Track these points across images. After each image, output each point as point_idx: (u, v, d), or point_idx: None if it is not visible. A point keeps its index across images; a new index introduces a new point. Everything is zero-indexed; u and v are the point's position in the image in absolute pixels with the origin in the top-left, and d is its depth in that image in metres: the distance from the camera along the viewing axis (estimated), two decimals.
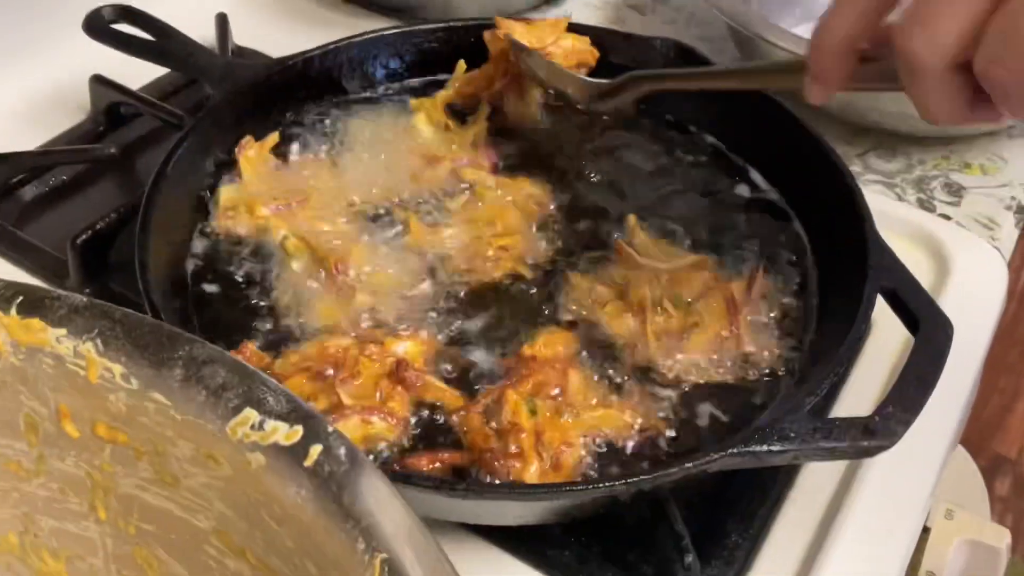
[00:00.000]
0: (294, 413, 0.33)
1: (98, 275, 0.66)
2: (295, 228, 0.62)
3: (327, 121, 0.71)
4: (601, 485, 0.45)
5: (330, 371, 0.52)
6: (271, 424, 0.33)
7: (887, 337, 0.65)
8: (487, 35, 0.71)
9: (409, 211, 0.65)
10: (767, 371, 0.58)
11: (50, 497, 0.40)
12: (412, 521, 0.31)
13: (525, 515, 0.48)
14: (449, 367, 0.57)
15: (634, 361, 0.57)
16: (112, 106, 0.79)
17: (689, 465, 0.45)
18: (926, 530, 0.65)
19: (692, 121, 0.72)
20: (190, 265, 0.61)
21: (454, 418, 0.53)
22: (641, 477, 0.45)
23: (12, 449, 0.39)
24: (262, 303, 0.60)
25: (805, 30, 0.89)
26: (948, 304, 0.57)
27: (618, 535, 0.54)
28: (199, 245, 0.62)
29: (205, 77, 0.68)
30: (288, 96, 0.70)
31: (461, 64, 0.72)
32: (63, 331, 0.36)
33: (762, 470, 0.58)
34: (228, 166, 0.66)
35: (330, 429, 0.33)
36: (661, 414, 0.55)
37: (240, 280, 0.61)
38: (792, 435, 0.46)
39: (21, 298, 0.37)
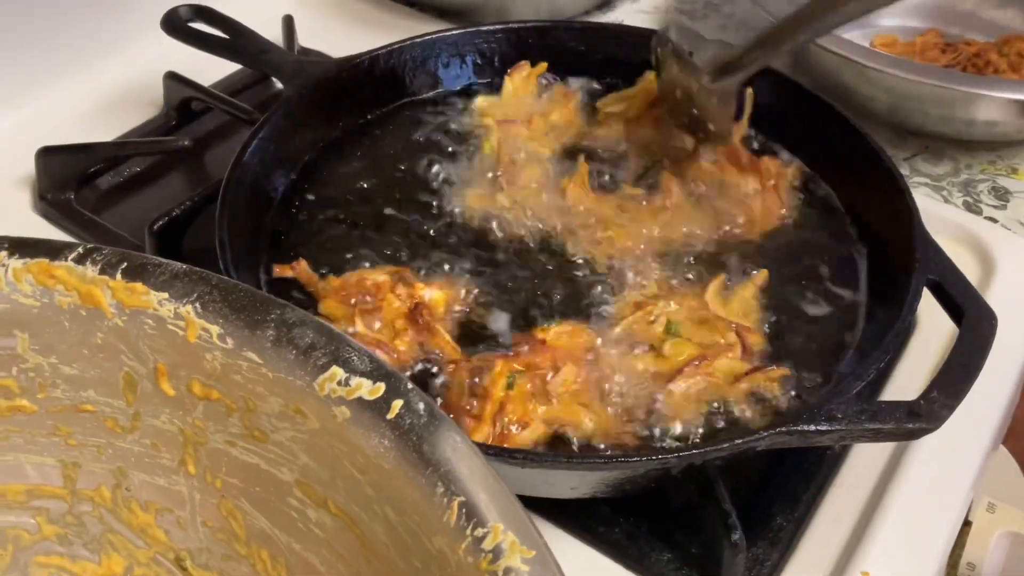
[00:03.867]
0: (377, 371, 0.36)
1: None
2: (504, 138, 0.71)
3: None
4: (654, 458, 0.47)
5: (362, 299, 0.57)
6: (356, 380, 0.36)
7: (932, 334, 0.67)
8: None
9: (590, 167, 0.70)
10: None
11: (143, 452, 0.43)
12: (486, 468, 0.33)
13: (579, 487, 0.51)
14: (468, 323, 0.60)
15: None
16: (184, 101, 0.83)
17: (739, 441, 0.47)
18: (968, 523, 0.66)
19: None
20: (263, 242, 0.65)
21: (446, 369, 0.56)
22: (692, 451, 0.47)
23: (110, 407, 0.42)
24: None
25: (855, 35, 0.91)
26: (993, 303, 0.58)
27: (666, 515, 0.56)
28: (270, 222, 0.66)
29: (277, 73, 0.72)
30: (355, 94, 0.73)
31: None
32: (165, 295, 0.39)
33: (807, 458, 0.60)
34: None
35: (410, 386, 0.36)
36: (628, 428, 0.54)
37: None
38: (839, 416, 0.48)
39: (125, 264, 0.40)
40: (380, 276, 0.60)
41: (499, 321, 0.60)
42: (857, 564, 0.55)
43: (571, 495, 0.52)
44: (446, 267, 0.63)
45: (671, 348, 0.57)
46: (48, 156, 0.75)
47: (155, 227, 0.68)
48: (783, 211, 0.67)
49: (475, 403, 0.53)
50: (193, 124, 0.84)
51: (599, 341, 0.58)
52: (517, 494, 0.52)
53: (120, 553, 0.45)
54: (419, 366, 0.57)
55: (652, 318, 0.59)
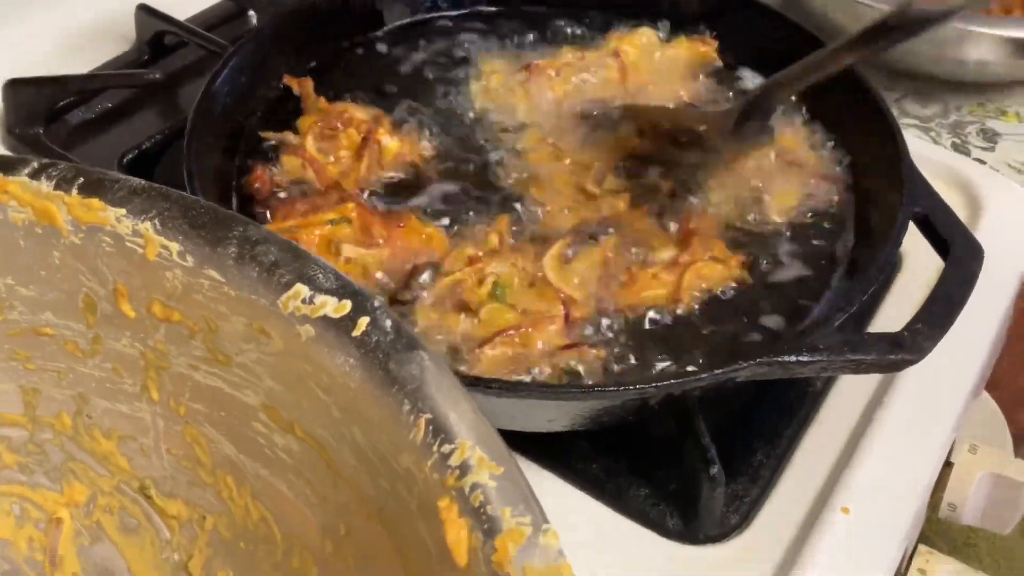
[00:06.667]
0: (342, 288, 0.35)
1: None
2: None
3: None
4: (631, 387, 0.46)
5: (329, 125, 0.63)
6: (321, 298, 0.35)
7: (918, 271, 0.66)
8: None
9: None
10: None
11: (104, 378, 0.42)
12: (455, 386, 0.32)
13: (556, 419, 0.50)
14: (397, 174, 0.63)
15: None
16: (157, 35, 0.80)
17: (718, 372, 0.46)
18: (949, 464, 0.65)
19: (728, 55, 0.72)
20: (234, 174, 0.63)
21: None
22: (671, 381, 0.47)
23: (70, 329, 0.41)
24: None
25: None
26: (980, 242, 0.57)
27: (646, 451, 0.55)
28: (243, 159, 0.64)
29: (250, 3, 0.70)
30: (332, 23, 0.70)
31: None
32: (122, 211, 0.37)
33: (789, 394, 0.59)
34: None
35: (377, 303, 0.35)
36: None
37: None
38: (821, 347, 0.47)
39: (82, 179, 0.38)
40: (360, 113, 0.64)
41: (436, 188, 0.62)
42: (837, 501, 0.54)
43: (548, 428, 0.51)
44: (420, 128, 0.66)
45: (487, 314, 0.54)
46: (16, 89, 0.73)
47: (125, 160, 0.66)
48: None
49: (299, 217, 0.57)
50: (166, 59, 0.81)
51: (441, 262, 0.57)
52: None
53: (82, 482, 0.44)
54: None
55: (481, 277, 0.55)
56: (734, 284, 0.57)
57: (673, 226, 0.60)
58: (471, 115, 0.68)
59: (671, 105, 0.67)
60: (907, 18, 0.50)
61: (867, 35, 0.52)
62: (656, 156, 0.63)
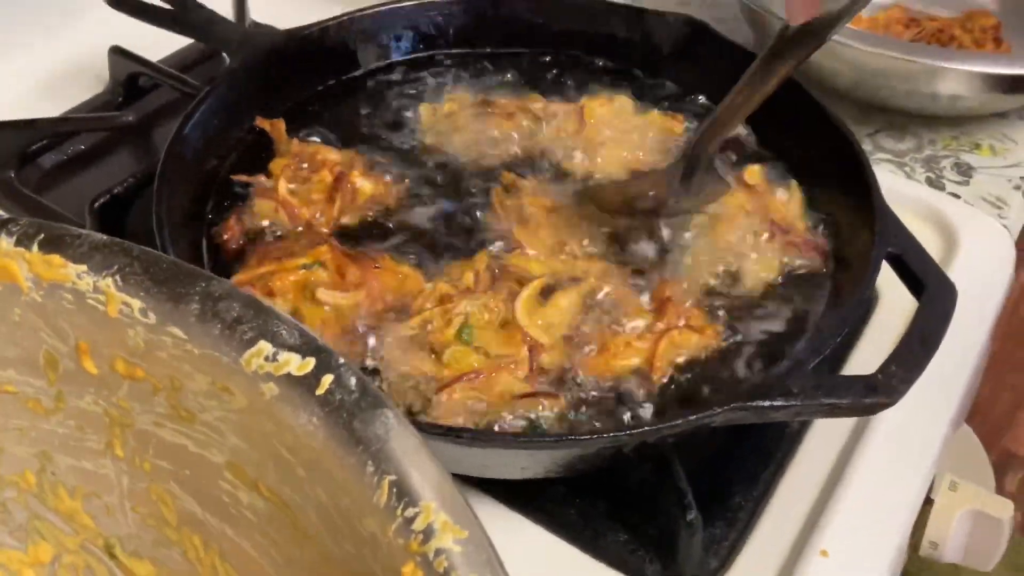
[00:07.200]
0: (306, 345, 0.34)
1: None
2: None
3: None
4: (606, 435, 0.46)
5: (300, 166, 0.64)
6: (284, 355, 0.34)
7: (895, 310, 0.66)
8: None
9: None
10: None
11: (67, 435, 0.41)
12: (419, 446, 0.32)
13: (529, 467, 0.49)
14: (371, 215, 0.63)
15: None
16: (131, 77, 0.80)
17: (693, 418, 0.46)
18: (930, 501, 0.65)
19: (697, 91, 0.73)
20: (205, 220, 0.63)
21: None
22: (645, 429, 0.46)
23: (31, 387, 0.40)
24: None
25: None
26: (956, 279, 0.57)
27: (622, 495, 0.55)
28: (215, 202, 0.63)
29: (223, 46, 0.69)
30: (305, 66, 0.70)
31: None
32: (83, 267, 0.37)
33: (766, 435, 0.59)
34: None
35: (341, 361, 0.34)
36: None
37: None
38: (795, 391, 0.47)
39: (43, 235, 0.38)
40: (333, 155, 0.65)
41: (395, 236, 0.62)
42: (816, 543, 0.54)
43: (522, 475, 0.50)
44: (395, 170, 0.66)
45: (452, 356, 0.53)
46: None
47: (96, 205, 0.66)
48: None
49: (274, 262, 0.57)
50: (140, 101, 0.81)
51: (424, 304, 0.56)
52: (465, 475, 0.52)
53: (48, 541, 0.43)
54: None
55: (450, 316, 0.55)
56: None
57: (646, 298, 0.58)
58: (450, 157, 0.67)
59: (614, 179, 0.66)
60: (814, 24, 0.51)
61: (781, 47, 0.53)
62: (625, 227, 0.62)
